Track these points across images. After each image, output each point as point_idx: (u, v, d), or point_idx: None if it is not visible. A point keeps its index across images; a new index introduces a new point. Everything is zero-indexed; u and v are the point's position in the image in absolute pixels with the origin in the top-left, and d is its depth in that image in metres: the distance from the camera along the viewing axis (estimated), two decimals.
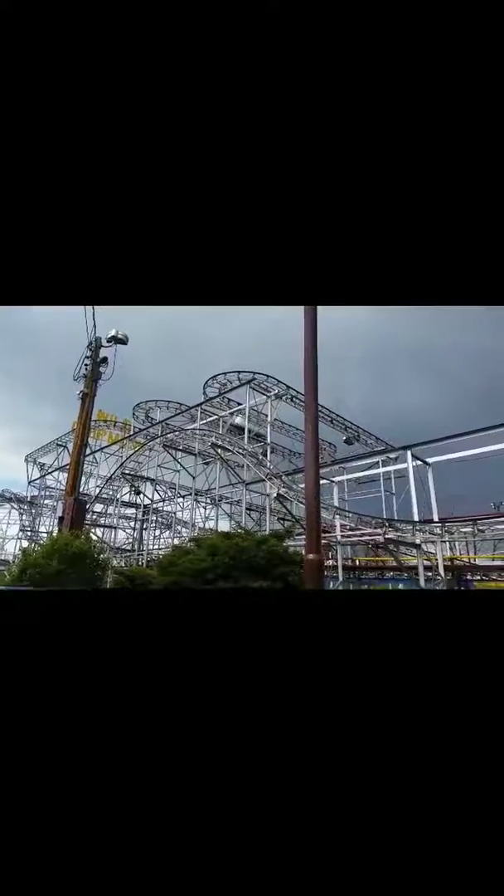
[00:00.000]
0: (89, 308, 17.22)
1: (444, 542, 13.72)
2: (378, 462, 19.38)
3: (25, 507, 29.21)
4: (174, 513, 26.00)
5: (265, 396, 20.19)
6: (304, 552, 14.87)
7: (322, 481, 19.23)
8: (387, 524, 13.73)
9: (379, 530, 13.51)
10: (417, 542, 13.17)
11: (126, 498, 26.39)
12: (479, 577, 14.75)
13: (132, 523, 28.26)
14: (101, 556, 14.79)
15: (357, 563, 17.17)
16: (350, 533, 14.51)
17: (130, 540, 27.36)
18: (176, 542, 22.67)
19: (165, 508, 26.46)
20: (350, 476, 19.27)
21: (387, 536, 13.13)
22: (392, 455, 18.30)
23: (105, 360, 18.07)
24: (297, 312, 7.98)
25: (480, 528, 13.12)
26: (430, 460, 15.28)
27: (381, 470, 18.76)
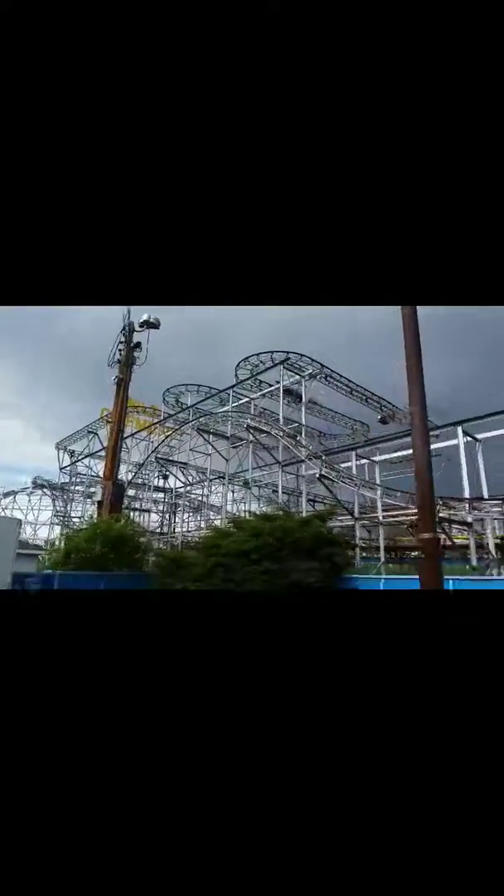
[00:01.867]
0: None
1: (496, 520, 13.16)
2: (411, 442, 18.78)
3: (58, 493, 29.71)
4: (204, 496, 25.99)
5: (299, 376, 19.69)
6: (354, 533, 14.50)
7: (362, 461, 18.84)
8: (440, 502, 13.22)
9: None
10: (469, 520, 12.66)
11: (156, 482, 26.55)
12: None
13: (161, 507, 28.44)
14: (141, 539, 14.81)
15: (397, 543, 16.73)
16: (397, 512, 14.10)
17: (160, 523, 27.58)
18: (204, 524, 22.72)
19: (194, 492, 26.46)
20: (392, 455, 18.69)
21: (440, 515, 12.64)
22: (434, 432, 17.68)
23: (139, 344, 17.93)
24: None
25: None
26: (479, 436, 14.61)
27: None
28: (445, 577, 6.47)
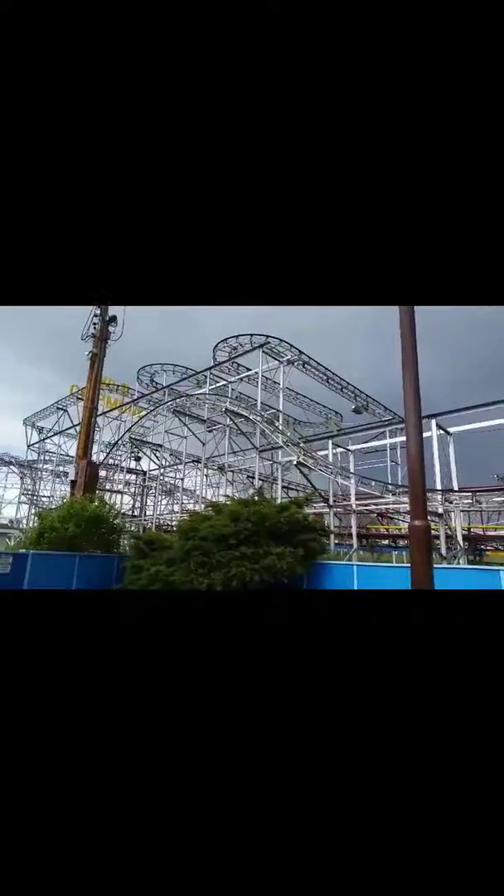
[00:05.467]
0: None
1: (462, 511, 13.76)
2: (385, 432, 19.24)
3: (26, 471, 28.77)
4: (178, 480, 25.83)
5: (277, 362, 19.64)
6: (325, 521, 14.78)
7: (338, 449, 19.15)
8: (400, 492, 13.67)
9: (404, 499, 13.45)
10: (440, 511, 13.16)
11: (128, 464, 26.11)
12: (492, 547, 14.95)
13: (132, 489, 28.09)
14: (116, 520, 14.60)
15: (369, 531, 17.25)
16: (369, 501, 14.47)
17: (132, 506, 27.26)
18: (177, 508, 22.63)
19: (167, 475, 26.23)
20: (364, 445, 19.09)
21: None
22: (400, 426, 18.17)
23: (114, 318, 17.32)
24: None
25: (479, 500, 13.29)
26: (451, 430, 15.10)
27: (394, 440, 18.61)
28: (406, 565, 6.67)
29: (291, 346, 20.41)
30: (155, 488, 25.87)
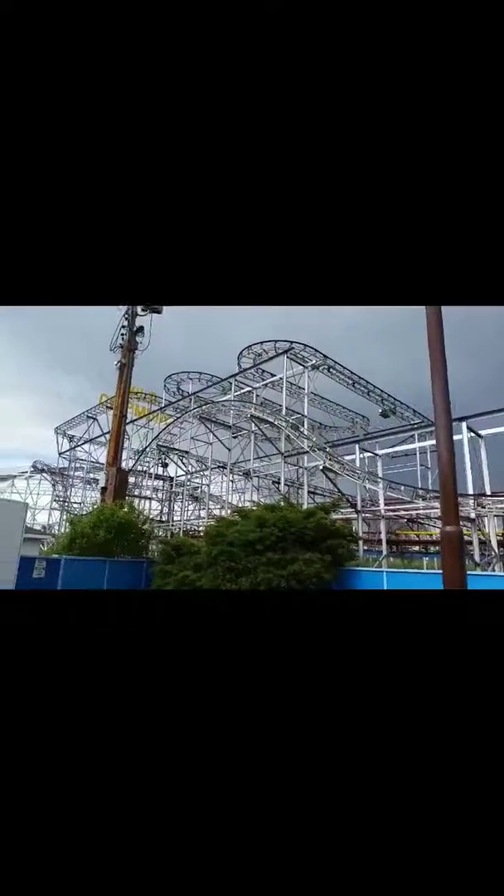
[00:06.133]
0: None
1: (497, 516, 13.28)
2: (414, 436, 18.84)
3: (58, 479, 29.66)
4: (206, 486, 26.05)
5: (302, 367, 19.61)
6: (353, 526, 14.59)
7: (365, 454, 18.90)
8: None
9: (435, 504, 13.12)
10: (472, 516, 12.76)
11: (156, 471, 26.54)
12: None
13: (160, 495, 28.50)
14: (144, 525, 14.84)
15: (399, 537, 16.88)
16: (398, 506, 14.18)
17: (159, 512, 27.65)
18: (204, 514, 22.77)
19: (194, 482, 26.50)
20: (392, 449, 18.76)
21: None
22: (430, 429, 17.75)
23: (141, 329, 17.71)
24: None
25: None
26: (482, 432, 14.65)
27: (424, 444, 18.21)
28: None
29: (316, 350, 20.36)
30: (182, 494, 26.17)
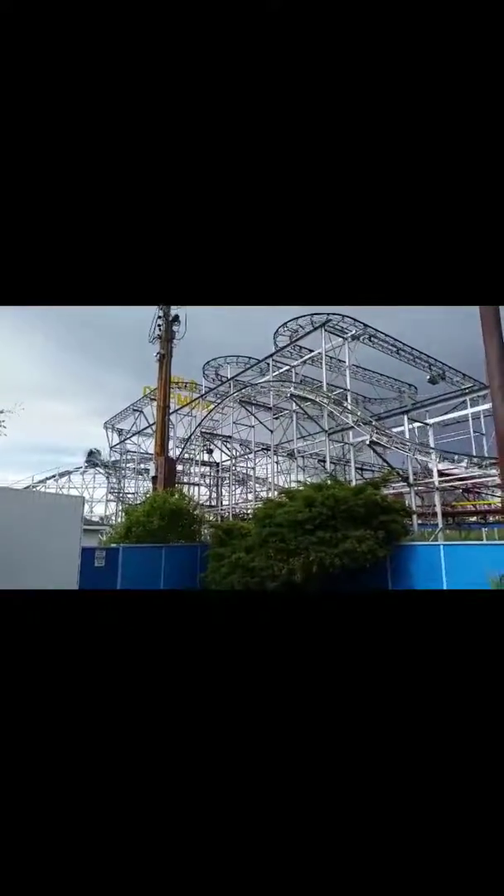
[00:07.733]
0: None
1: None
2: (466, 402, 17.78)
3: (111, 471, 31.02)
4: (251, 469, 26.21)
5: (341, 339, 18.97)
6: (406, 500, 14.20)
7: (415, 424, 18.17)
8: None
9: (493, 471, 12.42)
10: None
11: (201, 457, 27.05)
12: None
13: (207, 481, 29.07)
14: (195, 511, 15.22)
15: (455, 508, 16.20)
16: (453, 477, 13.56)
17: (208, 497, 28.26)
18: (250, 497, 22.97)
19: (238, 465, 26.74)
20: (444, 417, 17.84)
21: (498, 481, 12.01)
22: (482, 393, 16.64)
23: (177, 318, 17.84)
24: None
25: None
26: None
27: (477, 409, 17.15)
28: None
29: (355, 320, 19.59)
30: (229, 478, 26.53)
